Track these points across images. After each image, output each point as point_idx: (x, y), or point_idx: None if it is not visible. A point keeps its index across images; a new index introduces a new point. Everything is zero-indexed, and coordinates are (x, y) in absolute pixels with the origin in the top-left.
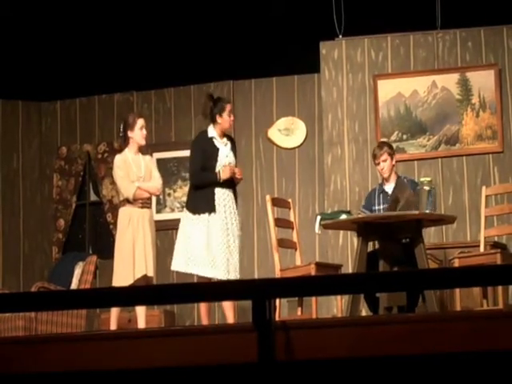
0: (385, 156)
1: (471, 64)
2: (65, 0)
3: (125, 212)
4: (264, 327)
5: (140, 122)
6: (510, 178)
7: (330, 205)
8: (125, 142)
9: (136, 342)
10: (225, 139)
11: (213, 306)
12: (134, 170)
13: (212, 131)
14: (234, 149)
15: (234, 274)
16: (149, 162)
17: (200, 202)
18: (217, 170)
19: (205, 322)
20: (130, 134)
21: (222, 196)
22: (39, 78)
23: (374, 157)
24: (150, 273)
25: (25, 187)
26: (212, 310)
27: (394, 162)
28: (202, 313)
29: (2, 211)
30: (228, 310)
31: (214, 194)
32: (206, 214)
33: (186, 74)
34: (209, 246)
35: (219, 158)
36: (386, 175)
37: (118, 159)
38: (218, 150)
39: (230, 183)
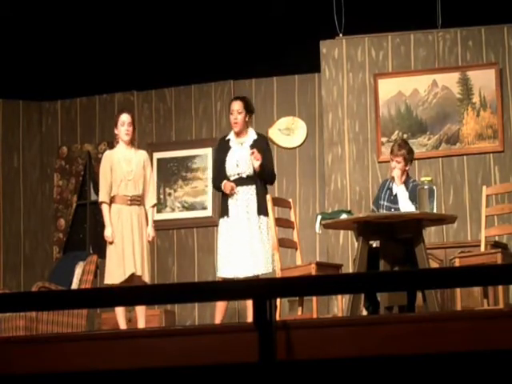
0: (400, 159)
1: (472, 63)
2: (65, 0)
3: (114, 209)
4: (265, 327)
5: (121, 118)
6: (510, 178)
7: (330, 204)
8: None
9: (136, 341)
10: (243, 139)
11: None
12: (122, 166)
13: (231, 133)
14: (258, 145)
15: (253, 271)
16: (144, 159)
17: (221, 206)
18: (227, 168)
19: (218, 320)
20: (115, 130)
21: (240, 196)
22: (39, 78)
23: (391, 152)
24: (139, 272)
25: (25, 187)
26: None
27: (407, 168)
28: (218, 311)
29: (3, 211)
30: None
31: (227, 197)
32: (226, 217)
33: (187, 73)
34: (230, 247)
35: (228, 158)
36: (394, 175)
37: (105, 157)
38: (229, 148)
39: (252, 179)
